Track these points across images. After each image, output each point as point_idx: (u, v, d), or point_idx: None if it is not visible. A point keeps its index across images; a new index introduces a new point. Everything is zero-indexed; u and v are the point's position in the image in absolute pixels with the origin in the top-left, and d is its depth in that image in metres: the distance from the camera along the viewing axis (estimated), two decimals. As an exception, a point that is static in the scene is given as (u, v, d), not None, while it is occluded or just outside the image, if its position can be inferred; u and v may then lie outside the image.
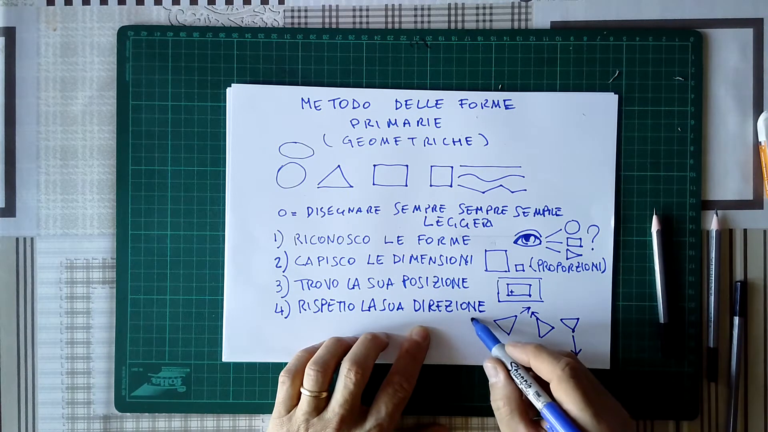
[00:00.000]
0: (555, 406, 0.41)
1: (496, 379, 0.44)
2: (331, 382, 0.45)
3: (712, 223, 0.49)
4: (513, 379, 0.44)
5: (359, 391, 0.44)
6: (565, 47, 0.49)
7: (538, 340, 0.49)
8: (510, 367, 0.44)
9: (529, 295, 0.49)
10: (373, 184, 0.49)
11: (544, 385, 0.42)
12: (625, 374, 0.49)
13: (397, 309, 0.49)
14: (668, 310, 0.49)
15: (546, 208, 0.49)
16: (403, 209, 0.49)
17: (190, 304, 0.50)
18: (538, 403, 0.41)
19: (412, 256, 0.49)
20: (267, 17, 0.50)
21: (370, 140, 0.49)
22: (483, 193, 0.49)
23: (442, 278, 0.49)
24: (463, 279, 0.49)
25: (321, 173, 0.49)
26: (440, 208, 0.49)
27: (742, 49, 0.50)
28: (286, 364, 0.47)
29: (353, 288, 0.49)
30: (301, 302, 0.49)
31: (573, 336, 0.49)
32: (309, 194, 0.49)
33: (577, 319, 0.49)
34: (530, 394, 0.42)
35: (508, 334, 0.49)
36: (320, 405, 0.44)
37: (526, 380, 0.43)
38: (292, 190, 0.49)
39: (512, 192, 0.49)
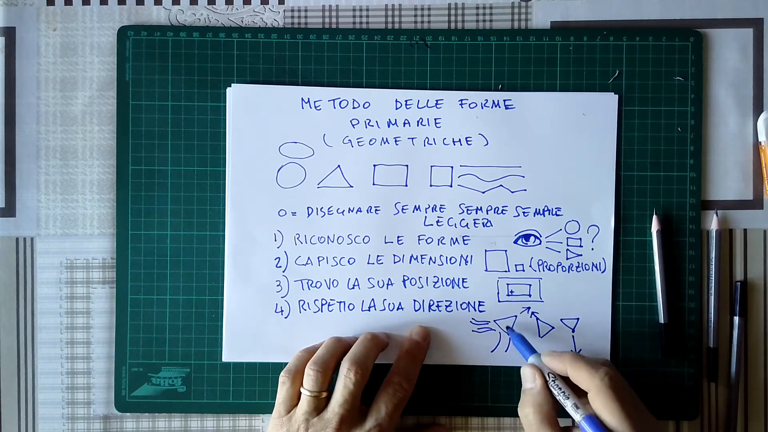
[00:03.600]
0: (594, 419, 0.40)
1: (532, 385, 0.44)
2: (331, 382, 0.45)
3: (712, 223, 0.49)
4: (549, 389, 0.43)
5: (359, 391, 0.44)
6: (565, 47, 0.49)
7: (539, 340, 0.49)
8: (547, 378, 0.43)
9: (529, 295, 0.49)
10: (373, 184, 0.49)
11: (579, 395, 0.42)
12: (625, 374, 0.49)
13: (397, 309, 0.49)
14: (668, 310, 0.49)
15: (546, 208, 0.49)
16: (403, 209, 0.49)
17: (190, 304, 0.50)
18: (577, 416, 0.41)
19: (412, 256, 0.49)
20: (267, 17, 0.50)
21: (370, 140, 0.49)
22: (483, 193, 0.49)
23: (442, 278, 0.49)
24: (463, 279, 0.49)
25: (321, 173, 0.49)
26: (440, 208, 0.49)
27: (742, 49, 0.50)
28: (286, 364, 0.47)
29: (353, 288, 0.49)
30: (301, 302, 0.49)
31: (573, 336, 0.49)
32: (309, 194, 0.49)
33: (577, 319, 0.49)
34: (568, 406, 0.42)
35: (509, 334, 0.49)
36: (320, 405, 0.44)
37: (564, 391, 0.42)
38: (292, 190, 0.49)
39: (512, 192, 0.49)
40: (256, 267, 0.49)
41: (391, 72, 0.50)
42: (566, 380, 0.43)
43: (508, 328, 0.49)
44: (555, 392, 0.43)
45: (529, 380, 0.44)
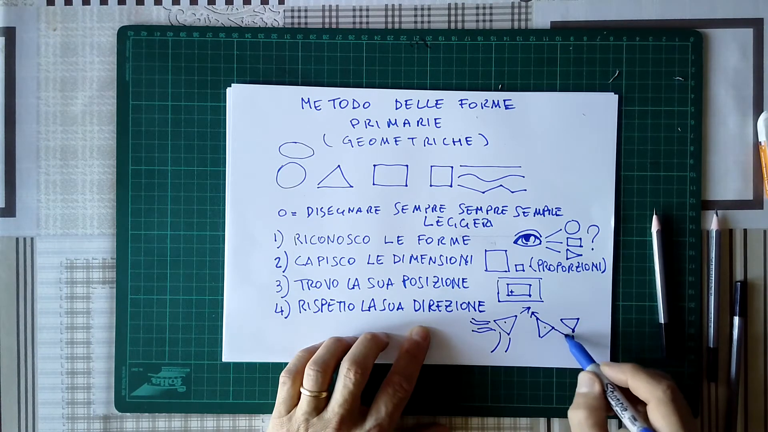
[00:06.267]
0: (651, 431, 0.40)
1: (589, 390, 0.43)
2: (331, 382, 0.45)
3: (712, 223, 0.49)
4: (605, 397, 0.43)
5: (359, 390, 0.44)
6: (565, 47, 0.49)
7: (538, 340, 0.49)
8: (606, 388, 0.43)
9: (529, 295, 0.49)
10: (373, 184, 0.49)
11: (636, 406, 0.42)
12: (625, 374, 0.49)
13: (397, 309, 0.49)
14: (668, 310, 0.49)
15: (546, 208, 0.49)
16: (403, 209, 0.49)
17: (190, 304, 0.50)
18: (634, 428, 0.41)
19: (412, 256, 0.49)
20: (267, 17, 0.50)
21: (370, 140, 0.49)
22: (483, 193, 0.49)
23: (442, 278, 0.49)
24: (463, 279, 0.49)
25: (321, 173, 0.49)
26: (440, 208, 0.49)
27: (742, 49, 0.50)
28: (286, 364, 0.47)
29: (353, 288, 0.49)
30: (301, 302, 0.49)
31: (573, 336, 0.49)
32: (309, 194, 0.49)
33: (577, 319, 0.49)
34: (625, 417, 0.42)
35: (509, 334, 0.49)
36: (320, 405, 0.44)
37: (622, 403, 0.42)
38: (292, 190, 0.49)
39: (512, 192, 0.49)
40: (256, 267, 0.49)
41: (391, 72, 0.50)
42: (623, 392, 0.43)
43: (566, 336, 0.48)
44: (613, 402, 0.43)
45: (587, 385, 0.44)
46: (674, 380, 0.42)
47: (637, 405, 0.42)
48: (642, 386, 0.42)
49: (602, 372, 0.44)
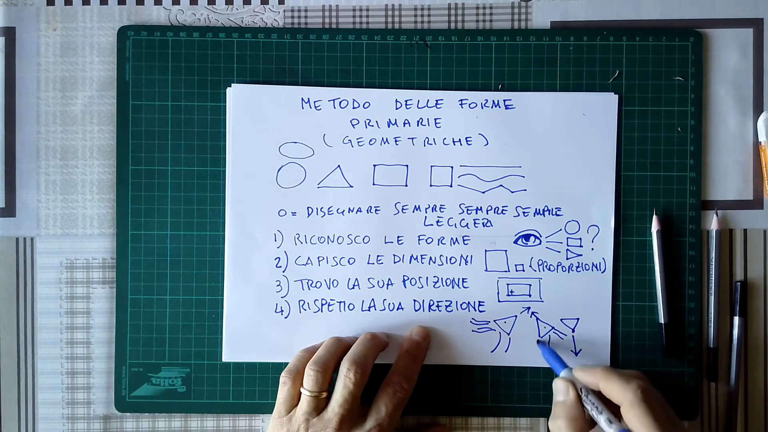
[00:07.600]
0: None
1: (565, 397, 0.43)
2: (331, 382, 0.45)
3: (712, 223, 0.49)
4: (581, 403, 0.43)
5: (359, 391, 0.44)
6: (565, 47, 0.49)
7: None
8: (580, 392, 0.43)
9: (529, 295, 0.49)
10: (373, 184, 0.49)
11: (612, 409, 0.42)
12: (625, 374, 0.49)
13: (397, 309, 0.49)
14: (668, 310, 0.49)
15: (546, 208, 0.49)
16: (403, 209, 0.49)
17: (190, 304, 0.50)
18: (610, 430, 0.41)
19: (412, 256, 0.49)
20: (267, 17, 0.50)
21: (370, 140, 0.49)
22: (483, 193, 0.49)
23: (442, 278, 0.49)
24: (463, 279, 0.49)
25: (321, 173, 0.49)
26: (440, 208, 0.49)
27: (742, 49, 0.50)
28: (286, 364, 0.47)
29: (353, 288, 0.49)
30: (301, 302, 0.49)
31: (573, 336, 0.49)
32: (309, 194, 0.49)
33: (577, 319, 0.49)
34: (602, 420, 0.41)
35: (509, 334, 0.49)
36: (320, 405, 0.44)
37: (597, 406, 0.42)
38: (292, 190, 0.49)
39: (512, 192, 0.49)
40: (256, 267, 0.49)
41: (391, 72, 0.50)
42: (599, 395, 0.43)
43: (538, 342, 0.49)
44: (588, 407, 0.42)
45: (562, 393, 0.44)
46: (648, 379, 0.42)
47: (615, 408, 0.42)
48: (613, 389, 0.41)
49: (575, 377, 0.44)
